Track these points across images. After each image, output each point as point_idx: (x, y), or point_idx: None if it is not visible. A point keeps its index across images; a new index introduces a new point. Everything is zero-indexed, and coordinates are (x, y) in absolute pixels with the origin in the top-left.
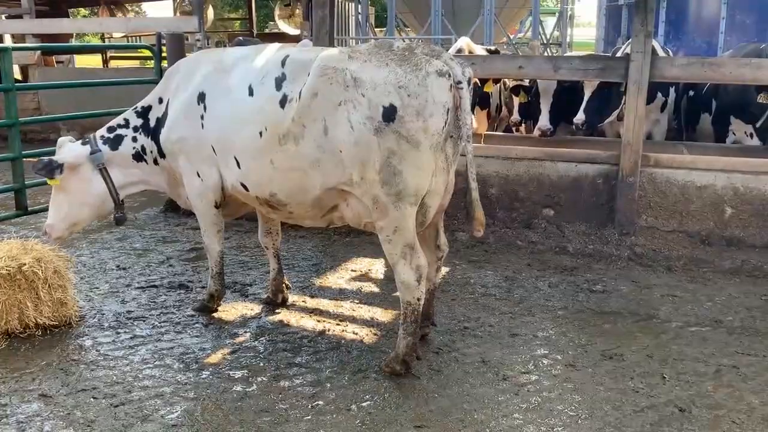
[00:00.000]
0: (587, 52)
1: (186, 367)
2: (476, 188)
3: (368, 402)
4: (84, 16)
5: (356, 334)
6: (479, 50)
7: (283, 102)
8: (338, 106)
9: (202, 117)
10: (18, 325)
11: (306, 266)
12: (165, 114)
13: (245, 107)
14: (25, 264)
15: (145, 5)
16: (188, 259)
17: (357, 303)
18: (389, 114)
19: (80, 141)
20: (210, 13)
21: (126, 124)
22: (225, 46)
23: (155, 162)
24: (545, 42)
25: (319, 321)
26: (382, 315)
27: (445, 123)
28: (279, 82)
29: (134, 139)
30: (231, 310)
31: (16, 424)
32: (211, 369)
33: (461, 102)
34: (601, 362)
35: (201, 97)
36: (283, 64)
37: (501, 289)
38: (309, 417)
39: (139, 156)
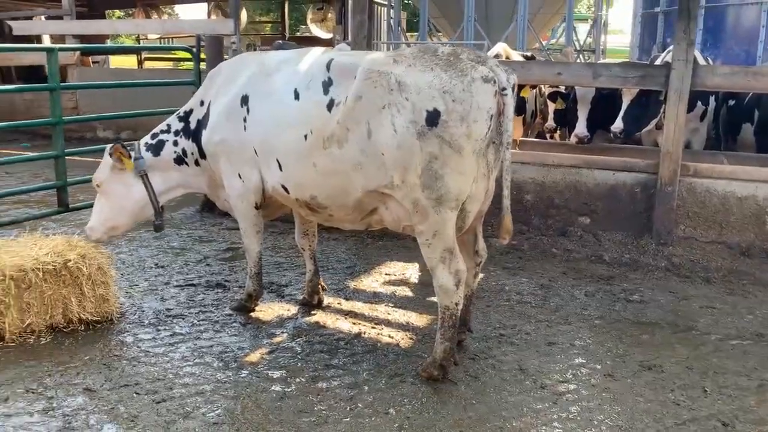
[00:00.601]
0: (621, 59)
1: (225, 365)
2: (508, 196)
3: (406, 406)
4: (118, 17)
5: (392, 337)
6: (516, 56)
7: (330, 106)
8: (382, 110)
9: (244, 119)
10: (62, 320)
11: (340, 269)
12: (206, 116)
13: (290, 110)
14: (70, 260)
15: (177, 8)
16: (225, 258)
17: (391, 306)
18: (433, 118)
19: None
20: (243, 16)
21: (168, 130)
22: (256, 48)
23: (196, 163)
24: (578, 48)
25: (354, 323)
26: (417, 319)
27: (489, 129)
28: (326, 87)
29: (175, 143)
30: (268, 310)
31: (62, 417)
32: (249, 368)
33: (505, 108)
34: (639, 373)
35: (244, 100)
36: (328, 68)
37: (536, 296)
38: (348, 419)
39: (180, 159)
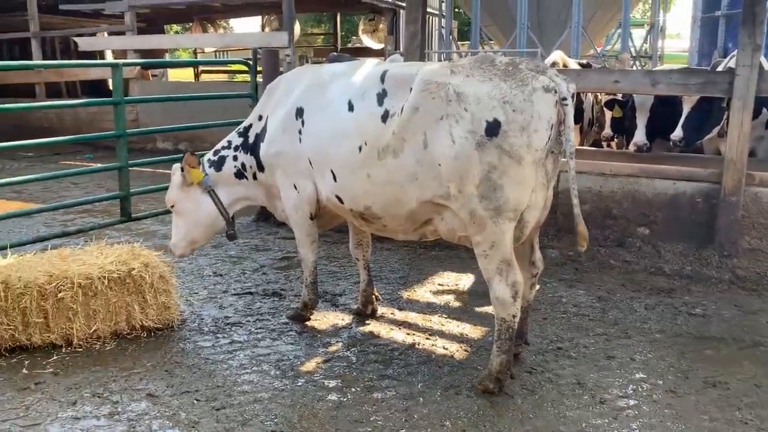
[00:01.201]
0: (679, 65)
1: (282, 373)
2: (578, 204)
3: (462, 419)
4: (176, 32)
5: (446, 349)
6: (573, 64)
7: (384, 117)
8: (439, 120)
9: (299, 131)
10: (126, 327)
11: (393, 279)
12: (264, 129)
13: (344, 122)
14: (134, 269)
15: (231, 21)
16: (280, 267)
17: (445, 317)
18: (493, 129)
19: None
20: (297, 28)
21: (228, 146)
22: (308, 60)
23: (254, 177)
24: (635, 55)
25: (408, 334)
26: (472, 331)
27: (549, 139)
28: (380, 98)
29: (235, 158)
30: (323, 319)
31: (127, 422)
32: (306, 377)
33: (565, 118)
34: (704, 390)
35: (299, 112)
36: (382, 79)
37: (594, 309)
38: (404, 431)
39: (240, 173)
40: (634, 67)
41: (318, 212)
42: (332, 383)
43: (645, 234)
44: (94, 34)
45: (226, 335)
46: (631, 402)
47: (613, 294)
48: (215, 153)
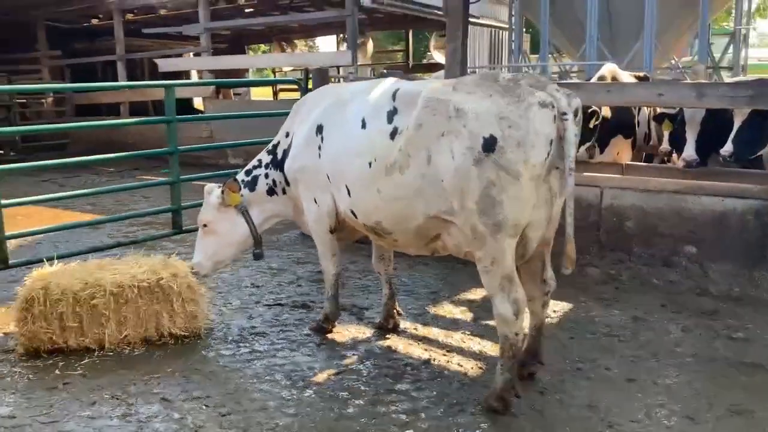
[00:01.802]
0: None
1: (293, 384)
2: (572, 224)
3: None
4: (264, 52)
5: (461, 366)
6: (626, 77)
7: (393, 134)
8: (441, 137)
9: (319, 147)
10: (155, 333)
11: (424, 294)
12: (290, 145)
13: (357, 139)
14: (162, 278)
15: (318, 39)
16: (315, 279)
17: (468, 334)
18: (489, 145)
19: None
20: (369, 46)
21: (259, 164)
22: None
23: (283, 192)
24: (713, 65)
25: (426, 350)
26: (492, 348)
27: (548, 155)
28: (390, 116)
29: (266, 176)
30: (344, 331)
31: (136, 423)
32: (315, 388)
33: (565, 133)
34: (725, 417)
35: (319, 129)
36: (394, 97)
37: (626, 330)
38: None
39: (271, 190)
40: (714, 79)
41: (338, 226)
42: (339, 395)
43: (692, 253)
44: (180, 55)
45: (247, 345)
46: (641, 427)
47: (650, 315)
48: (247, 173)
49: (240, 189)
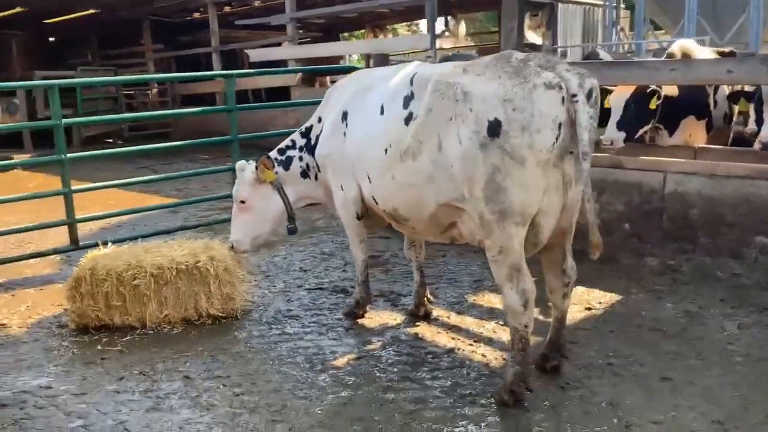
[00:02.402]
0: None
1: (311, 367)
2: (592, 210)
3: (461, 428)
4: (357, 38)
5: (485, 356)
6: (704, 53)
7: (408, 120)
8: (449, 121)
9: (344, 134)
10: (194, 314)
11: (467, 282)
12: (321, 131)
13: (376, 125)
14: (200, 261)
15: (421, 23)
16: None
17: (501, 325)
18: (494, 128)
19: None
20: (461, 28)
21: (293, 145)
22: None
23: (316, 177)
24: None
25: (453, 338)
26: None
27: (557, 139)
28: (407, 101)
29: (300, 159)
30: (376, 317)
31: (155, 398)
32: (331, 372)
33: (576, 116)
34: (761, 425)
35: (344, 116)
36: (411, 82)
37: (675, 324)
38: None
39: (305, 173)
40: None
41: (365, 212)
42: (351, 380)
43: (764, 243)
44: (280, 44)
45: (279, 327)
46: (661, 429)
47: (705, 309)
48: (281, 152)
49: (274, 166)
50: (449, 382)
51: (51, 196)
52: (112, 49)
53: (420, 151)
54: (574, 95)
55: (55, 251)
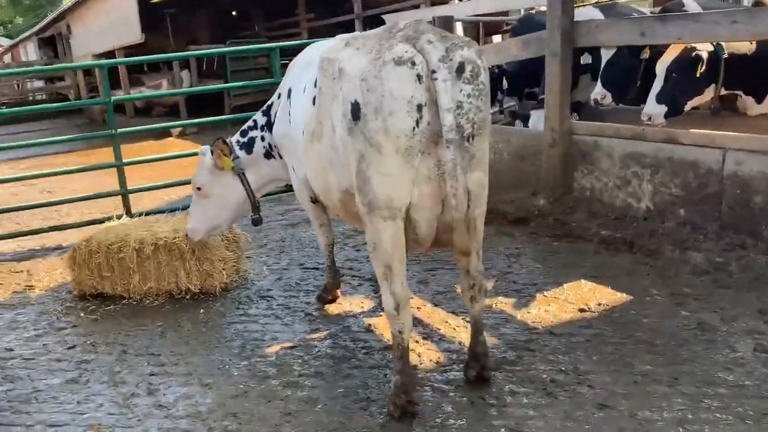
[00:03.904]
0: None
1: (239, 353)
2: (457, 206)
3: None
4: None
5: (420, 357)
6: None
7: (314, 100)
8: (332, 101)
9: (289, 113)
10: (176, 288)
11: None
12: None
13: (300, 105)
14: (176, 237)
15: None
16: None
17: (467, 321)
18: (355, 111)
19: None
20: None
21: (255, 125)
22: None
23: (280, 156)
24: None
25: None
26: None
27: (417, 123)
28: (317, 79)
29: (262, 138)
30: (346, 303)
31: (81, 370)
32: (253, 360)
33: (437, 96)
34: None
35: (288, 93)
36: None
37: (674, 339)
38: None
39: (268, 154)
40: None
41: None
42: (264, 371)
43: None
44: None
45: (244, 308)
46: None
47: (728, 322)
48: (243, 134)
49: (231, 151)
50: (358, 383)
51: (104, 168)
52: (275, 20)
53: (321, 133)
54: (434, 71)
55: (108, 219)
